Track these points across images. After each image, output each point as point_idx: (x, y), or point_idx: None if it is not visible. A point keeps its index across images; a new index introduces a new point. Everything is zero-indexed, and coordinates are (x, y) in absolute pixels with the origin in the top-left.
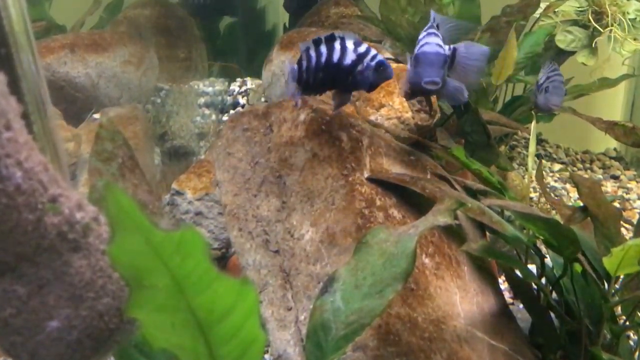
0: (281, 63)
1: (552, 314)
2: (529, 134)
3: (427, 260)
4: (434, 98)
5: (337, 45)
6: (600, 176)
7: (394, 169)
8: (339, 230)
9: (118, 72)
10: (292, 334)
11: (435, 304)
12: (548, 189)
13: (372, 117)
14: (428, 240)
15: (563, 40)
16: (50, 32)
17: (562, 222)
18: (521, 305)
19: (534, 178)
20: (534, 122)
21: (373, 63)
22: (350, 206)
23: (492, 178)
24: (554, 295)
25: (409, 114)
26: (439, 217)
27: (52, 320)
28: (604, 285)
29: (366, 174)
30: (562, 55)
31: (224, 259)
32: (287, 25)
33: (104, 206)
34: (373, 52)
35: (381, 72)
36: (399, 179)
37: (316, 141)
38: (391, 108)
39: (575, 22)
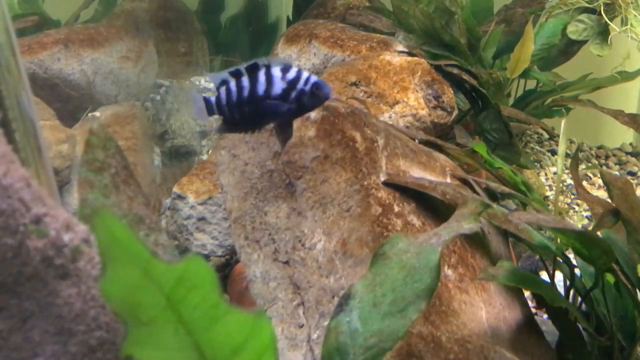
0: (287, 57)
1: (582, 328)
2: (545, 130)
3: (449, 272)
4: (451, 93)
5: (262, 75)
6: (617, 173)
7: (411, 171)
8: (354, 239)
9: (115, 68)
10: (304, 354)
11: (460, 321)
12: (565, 188)
13: (386, 115)
14: (450, 249)
15: (575, 30)
16: (43, 27)
17: (596, 234)
18: (545, 316)
19: (563, 176)
20: (564, 121)
21: (307, 87)
22: (365, 213)
23: (515, 177)
24: (584, 307)
25: (425, 111)
26: (463, 223)
27: (37, 358)
28: (638, 296)
29: (382, 178)
30: (573, 45)
31: (228, 266)
32: (290, 17)
33: (94, 234)
34: (305, 75)
35: (318, 95)
36: (418, 183)
37: (328, 142)
38: (406, 105)
39: (586, 10)
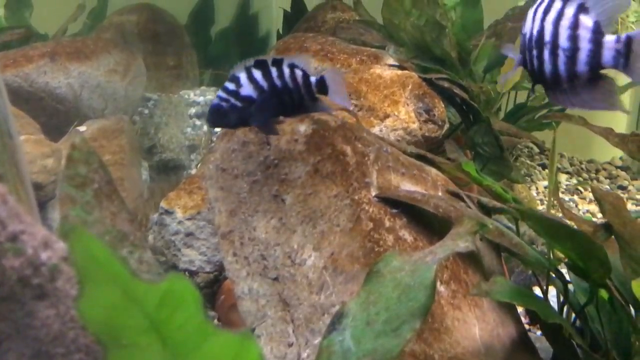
0: None
1: (576, 344)
2: (536, 144)
3: (442, 288)
4: (442, 107)
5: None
6: (607, 187)
7: (403, 185)
8: (345, 255)
9: (102, 82)
10: None
11: (453, 338)
12: (556, 202)
13: (377, 128)
14: (443, 265)
15: None
16: (30, 40)
17: (592, 240)
18: (539, 332)
19: (552, 194)
20: (555, 135)
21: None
22: (356, 228)
23: (506, 195)
24: (578, 323)
25: (416, 125)
26: (459, 241)
27: None
28: (632, 312)
29: (373, 192)
30: None
31: (216, 282)
32: (280, 31)
33: (71, 254)
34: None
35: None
36: (410, 197)
37: (318, 155)
38: (397, 118)
39: None
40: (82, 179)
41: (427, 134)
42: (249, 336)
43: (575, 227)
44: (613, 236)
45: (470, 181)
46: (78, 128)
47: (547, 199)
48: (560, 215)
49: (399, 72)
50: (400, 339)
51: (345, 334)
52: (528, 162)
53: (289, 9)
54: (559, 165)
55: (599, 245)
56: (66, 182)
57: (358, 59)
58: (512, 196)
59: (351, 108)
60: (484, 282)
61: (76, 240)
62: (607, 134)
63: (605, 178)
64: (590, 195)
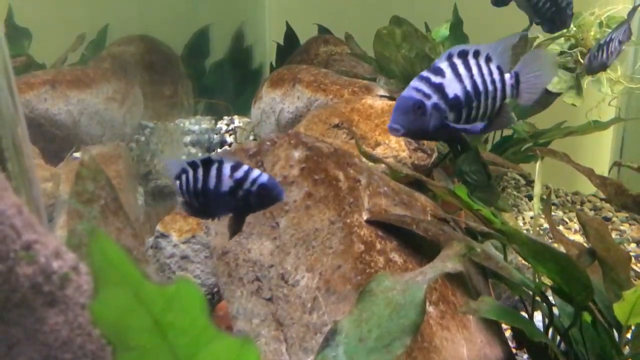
0: (271, 100)
1: None
2: (521, 175)
3: (431, 309)
4: None
5: (214, 170)
6: None
7: (393, 209)
8: (337, 276)
9: (101, 109)
10: None
11: (441, 357)
12: (542, 232)
13: None
14: (432, 286)
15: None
16: (29, 68)
17: (575, 263)
18: (526, 356)
19: (540, 220)
20: (539, 163)
21: (254, 188)
22: (348, 250)
23: (494, 219)
24: (563, 346)
25: (406, 153)
26: (448, 263)
27: None
28: (615, 335)
29: (365, 215)
30: (550, 97)
31: (210, 305)
32: (273, 64)
33: (87, 255)
34: (254, 174)
35: (265, 196)
36: (400, 220)
37: (311, 180)
38: (387, 147)
39: (561, 53)
40: (90, 195)
41: (416, 162)
42: (249, 340)
43: (560, 249)
44: (597, 261)
45: (460, 207)
46: (75, 154)
47: (533, 228)
48: (550, 235)
49: (390, 102)
50: (391, 355)
51: (338, 350)
52: (515, 193)
53: (281, 42)
54: (545, 197)
55: (582, 269)
56: (74, 197)
57: (350, 89)
58: (500, 220)
59: None
60: (473, 301)
61: (94, 242)
62: (589, 174)
63: (590, 210)
64: (576, 226)
